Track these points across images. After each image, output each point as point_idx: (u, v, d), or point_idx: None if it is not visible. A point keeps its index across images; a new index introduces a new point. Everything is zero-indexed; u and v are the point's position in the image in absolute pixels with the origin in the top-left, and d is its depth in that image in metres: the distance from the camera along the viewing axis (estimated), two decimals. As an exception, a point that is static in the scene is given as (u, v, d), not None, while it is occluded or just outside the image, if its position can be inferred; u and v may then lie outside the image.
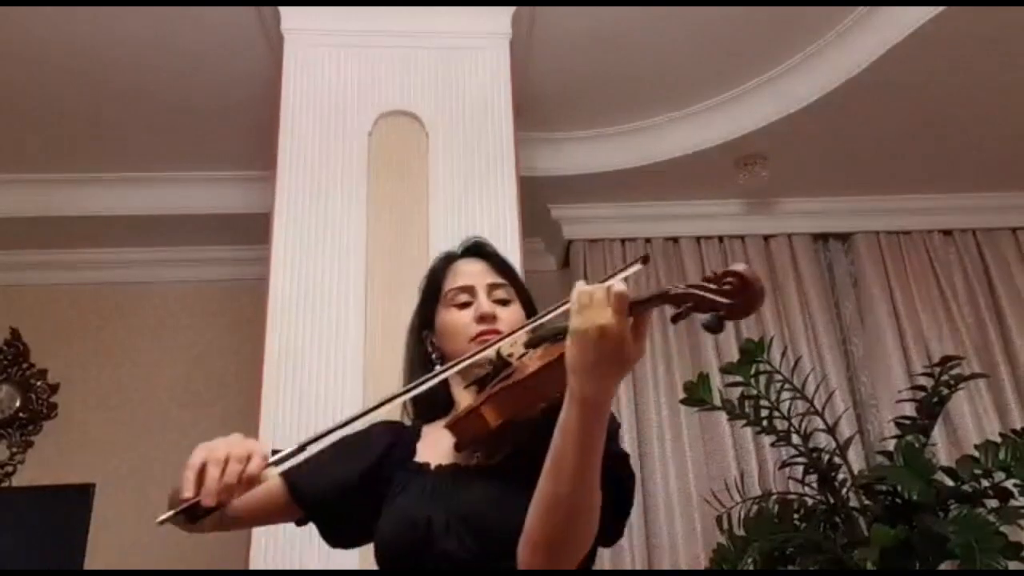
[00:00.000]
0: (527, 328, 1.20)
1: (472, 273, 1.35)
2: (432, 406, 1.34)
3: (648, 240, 3.74)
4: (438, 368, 1.24)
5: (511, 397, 1.12)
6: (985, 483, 2.40)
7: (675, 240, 3.77)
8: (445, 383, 1.30)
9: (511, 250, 2.47)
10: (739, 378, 2.60)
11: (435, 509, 1.14)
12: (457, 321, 1.31)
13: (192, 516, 1.02)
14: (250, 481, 1.04)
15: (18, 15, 2.72)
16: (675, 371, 3.45)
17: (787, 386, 2.61)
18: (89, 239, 3.66)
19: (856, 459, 3.16)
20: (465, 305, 1.32)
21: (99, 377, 3.61)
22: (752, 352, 2.59)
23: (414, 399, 1.32)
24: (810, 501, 2.63)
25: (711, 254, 3.74)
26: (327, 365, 2.30)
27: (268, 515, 1.26)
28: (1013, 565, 2.24)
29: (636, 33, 2.98)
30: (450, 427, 1.20)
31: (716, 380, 2.85)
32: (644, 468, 3.31)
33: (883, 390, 3.47)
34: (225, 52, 2.94)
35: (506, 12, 2.76)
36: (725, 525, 2.67)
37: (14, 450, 3.48)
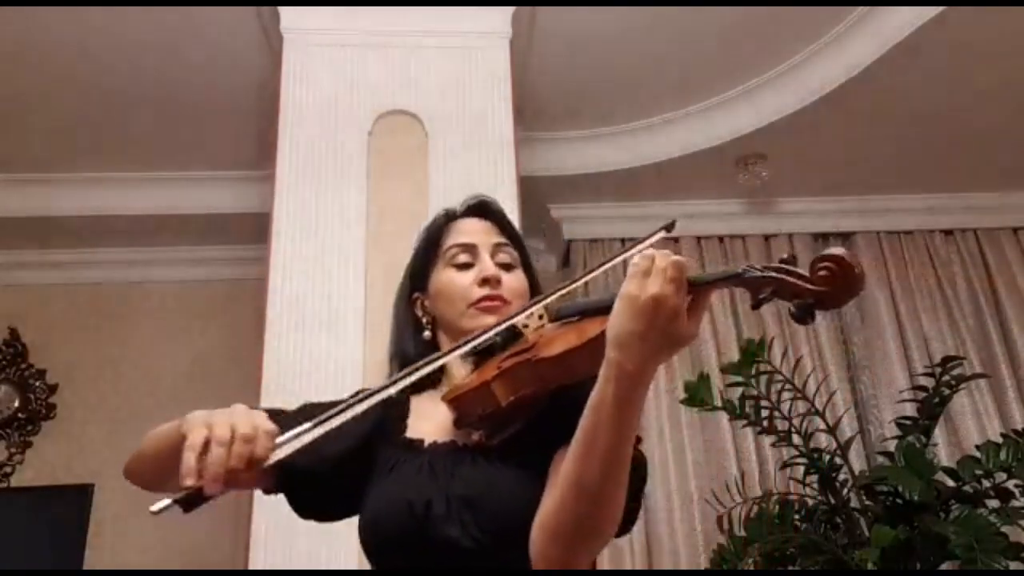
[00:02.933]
0: (549, 299, 1.06)
1: (475, 231, 1.22)
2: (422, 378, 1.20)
3: (648, 240, 3.73)
4: (447, 345, 1.11)
5: (530, 374, 1.01)
6: (986, 483, 2.40)
7: (675, 240, 3.76)
8: (435, 350, 1.18)
9: (511, 250, 2.46)
10: (739, 378, 2.60)
11: (434, 491, 1.04)
12: (456, 283, 1.17)
13: (190, 504, 0.87)
14: (256, 464, 0.90)
15: (18, 16, 2.71)
16: (675, 371, 3.45)
17: (788, 386, 2.61)
18: (89, 239, 3.66)
19: (857, 459, 3.16)
20: (465, 266, 1.18)
21: (98, 377, 3.60)
22: (752, 352, 2.58)
23: (400, 368, 1.21)
24: (811, 501, 2.63)
25: (711, 254, 3.74)
26: (327, 364, 2.30)
27: (243, 480, 1.06)
28: (1014, 565, 2.24)
29: (636, 33, 2.97)
30: (451, 402, 1.08)
31: (716, 380, 2.85)
32: (644, 468, 3.31)
33: (884, 390, 3.47)
34: (225, 52, 2.93)
35: (506, 12, 2.76)
36: (725, 525, 2.67)
37: (13, 450, 3.47)
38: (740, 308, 3.61)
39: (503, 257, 1.21)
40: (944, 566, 2.34)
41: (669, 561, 3.16)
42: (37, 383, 3.57)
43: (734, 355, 3.12)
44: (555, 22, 2.90)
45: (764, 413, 2.63)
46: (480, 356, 1.12)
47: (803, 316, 0.85)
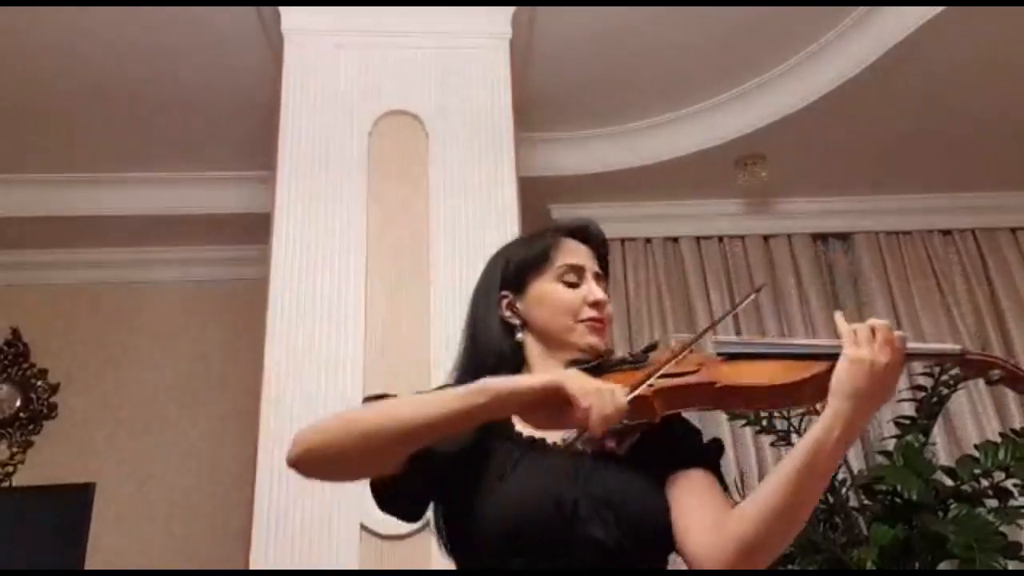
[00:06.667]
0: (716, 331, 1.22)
1: (585, 256, 1.30)
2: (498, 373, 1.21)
3: (648, 240, 3.74)
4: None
5: (702, 396, 1.10)
6: (984, 483, 2.40)
7: (675, 240, 3.77)
8: (522, 350, 1.24)
9: (511, 250, 2.47)
10: (739, 378, 2.60)
11: (577, 491, 1.08)
12: (568, 297, 1.25)
13: (584, 444, 1.05)
14: (623, 413, 1.03)
15: (19, 16, 2.72)
16: (675, 371, 3.45)
17: (787, 386, 2.60)
18: (89, 239, 3.66)
19: (855, 459, 3.16)
20: (573, 285, 1.26)
21: (99, 377, 3.61)
22: (752, 352, 2.58)
23: (487, 364, 1.23)
24: (810, 501, 2.63)
25: (711, 254, 3.74)
26: (327, 365, 2.30)
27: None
28: (1012, 565, 2.25)
29: (636, 33, 2.98)
30: None
31: (716, 380, 2.85)
32: (644, 468, 3.31)
33: (883, 390, 3.47)
34: (225, 52, 2.94)
35: (506, 12, 2.76)
36: (725, 525, 2.67)
37: (14, 450, 3.48)
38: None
39: (601, 287, 1.29)
40: (943, 565, 2.34)
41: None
42: (39, 383, 3.58)
43: (733, 355, 3.12)
44: (555, 22, 2.90)
45: (763, 412, 2.64)
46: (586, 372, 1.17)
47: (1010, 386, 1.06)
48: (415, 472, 1.08)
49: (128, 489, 3.42)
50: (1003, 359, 1.05)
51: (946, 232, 3.84)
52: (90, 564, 3.30)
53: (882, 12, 2.90)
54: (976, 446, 2.52)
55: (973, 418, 3.39)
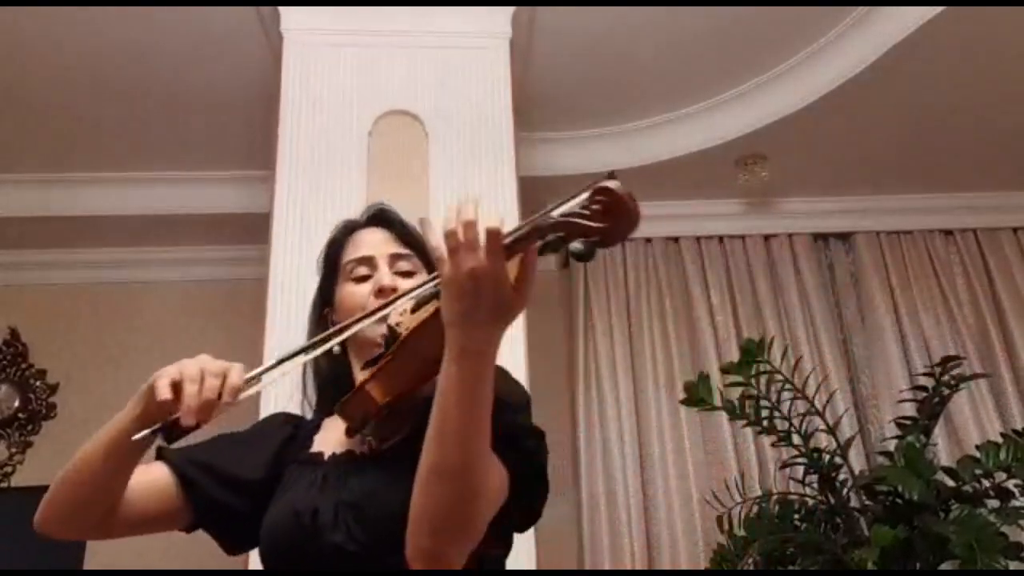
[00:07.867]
0: (412, 295, 1.03)
1: (373, 243, 1.23)
2: (336, 395, 1.17)
3: (648, 240, 3.74)
4: (315, 339, 1.10)
5: (396, 369, 1.02)
6: (986, 483, 2.41)
7: (675, 240, 3.76)
8: (349, 368, 1.21)
9: (511, 250, 2.47)
10: (739, 378, 2.60)
11: (324, 499, 1.06)
12: (355, 295, 1.19)
13: (170, 434, 1.01)
14: (233, 393, 0.99)
15: (18, 15, 2.72)
16: (675, 371, 3.45)
17: (787, 386, 2.61)
18: (89, 239, 3.66)
19: (857, 459, 3.16)
20: (364, 279, 1.21)
21: (98, 377, 3.60)
22: (752, 352, 2.59)
23: (326, 383, 1.24)
24: (810, 501, 2.63)
25: (711, 254, 3.73)
26: (327, 365, 2.30)
27: (158, 515, 1.15)
28: (1014, 565, 2.25)
29: (636, 33, 2.98)
30: (339, 411, 1.08)
31: (716, 380, 2.85)
32: (645, 469, 3.31)
33: (884, 390, 3.47)
34: (225, 52, 2.93)
35: (506, 12, 2.76)
36: (725, 525, 2.67)
37: (13, 450, 3.47)
38: (740, 308, 3.61)
39: (402, 265, 1.22)
40: (944, 566, 2.34)
41: (669, 561, 3.16)
42: (38, 383, 3.57)
43: (734, 355, 3.12)
44: (555, 22, 2.90)
45: (764, 413, 2.64)
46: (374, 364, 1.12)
47: (586, 254, 0.84)
48: (212, 512, 1.14)
49: (127, 489, 3.42)
50: (571, 214, 0.85)
51: (947, 232, 3.84)
52: (89, 564, 3.29)
53: (882, 12, 2.89)
54: (977, 447, 2.52)
55: (974, 418, 3.38)
